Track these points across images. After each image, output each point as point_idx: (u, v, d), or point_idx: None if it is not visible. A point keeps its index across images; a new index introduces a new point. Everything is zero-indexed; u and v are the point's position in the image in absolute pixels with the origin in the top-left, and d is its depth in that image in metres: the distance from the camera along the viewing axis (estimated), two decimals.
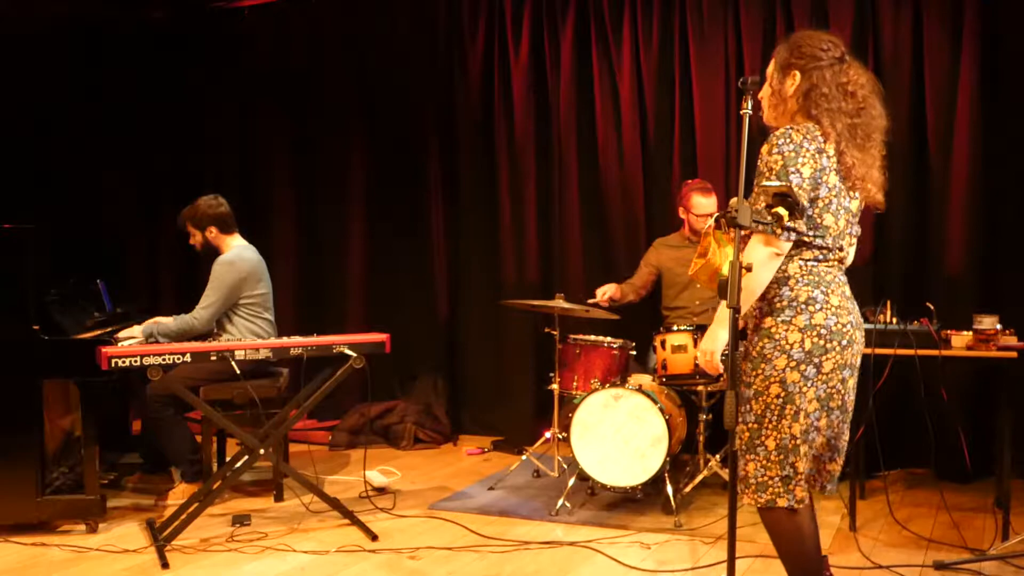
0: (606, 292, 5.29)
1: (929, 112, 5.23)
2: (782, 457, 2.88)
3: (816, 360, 2.84)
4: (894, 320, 4.31)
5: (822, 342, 2.84)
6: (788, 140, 2.82)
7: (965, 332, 4.23)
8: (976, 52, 5.10)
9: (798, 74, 2.93)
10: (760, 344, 2.88)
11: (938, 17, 5.18)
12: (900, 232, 5.33)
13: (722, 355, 2.97)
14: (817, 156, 2.83)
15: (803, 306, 2.84)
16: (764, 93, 3.05)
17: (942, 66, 5.19)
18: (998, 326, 4.16)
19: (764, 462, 2.90)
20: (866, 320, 4.22)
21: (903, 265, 5.34)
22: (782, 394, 2.86)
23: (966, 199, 5.16)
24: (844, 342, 2.87)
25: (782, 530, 2.97)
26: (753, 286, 2.82)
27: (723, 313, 2.87)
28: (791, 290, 2.86)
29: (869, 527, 4.37)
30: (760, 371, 2.87)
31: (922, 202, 5.30)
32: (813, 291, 2.85)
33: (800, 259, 2.88)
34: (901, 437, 5.12)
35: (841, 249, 2.93)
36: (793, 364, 2.84)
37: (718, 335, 2.90)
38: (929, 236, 5.29)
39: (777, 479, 2.89)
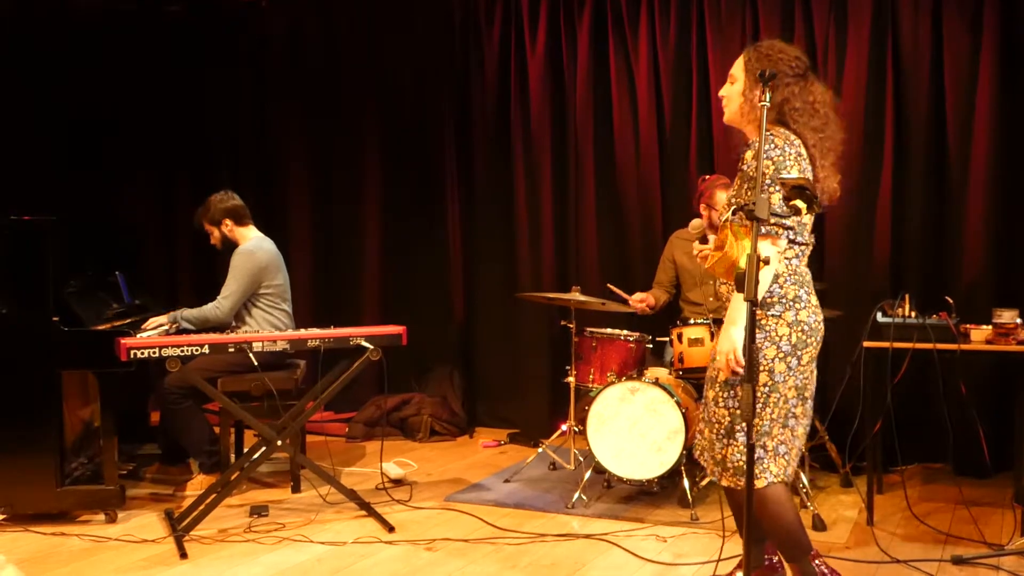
0: (643, 300, 5.23)
1: (948, 105, 5.20)
2: (763, 441, 3.08)
3: (799, 353, 3.07)
4: (913, 314, 4.28)
5: (805, 337, 3.08)
6: (773, 145, 3.02)
7: (984, 326, 4.21)
8: (996, 47, 5.06)
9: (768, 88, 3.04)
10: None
11: (957, 10, 5.14)
12: (919, 225, 5.31)
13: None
14: (799, 159, 3.04)
15: (791, 303, 3.07)
16: (730, 93, 3.22)
17: (961, 60, 5.15)
18: (1018, 320, 4.14)
19: (742, 447, 3.06)
20: (884, 314, 4.23)
21: (922, 259, 5.31)
22: (768, 383, 3.06)
23: (986, 193, 5.12)
24: (818, 338, 3.13)
25: (767, 506, 3.12)
26: (762, 283, 2.96)
27: (734, 312, 3.00)
28: (780, 288, 3.06)
29: (887, 521, 4.35)
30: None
31: (941, 195, 5.27)
32: (799, 290, 3.08)
33: (785, 258, 3.07)
34: (919, 432, 5.09)
35: (810, 246, 3.16)
36: (781, 355, 3.05)
37: (733, 334, 3.00)
38: (948, 230, 5.26)
39: (756, 462, 3.05)
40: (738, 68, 3.20)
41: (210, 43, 7.11)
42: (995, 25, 5.06)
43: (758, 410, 3.05)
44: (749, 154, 3.04)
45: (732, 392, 3.09)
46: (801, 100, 3.10)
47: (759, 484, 3.08)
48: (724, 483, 3.16)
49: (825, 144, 3.13)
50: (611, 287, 5.21)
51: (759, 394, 3.04)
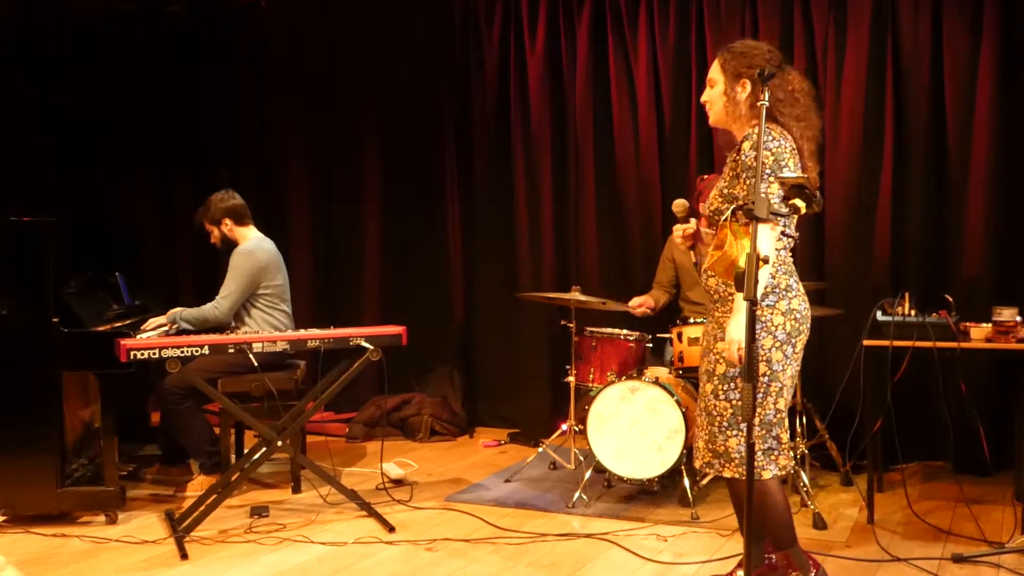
0: (642, 304, 5.23)
1: (948, 104, 5.19)
2: (765, 432, 3.14)
3: (793, 341, 3.13)
4: (913, 312, 4.28)
5: (798, 325, 3.14)
6: (772, 138, 3.05)
7: (984, 324, 4.21)
8: (995, 47, 5.06)
9: (748, 83, 3.16)
10: None
11: (957, 10, 5.14)
12: (919, 224, 5.30)
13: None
14: (793, 154, 3.09)
15: (783, 292, 3.12)
16: (712, 96, 3.27)
17: (961, 60, 5.15)
18: (1018, 318, 4.14)
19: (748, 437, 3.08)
20: (884, 312, 4.23)
21: (922, 257, 5.31)
22: (768, 372, 3.11)
23: (986, 191, 5.12)
24: (808, 325, 3.20)
25: (768, 496, 3.19)
26: (762, 275, 3.00)
27: (736, 302, 3.03)
28: (773, 278, 3.11)
29: (887, 520, 4.35)
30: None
31: (941, 194, 5.27)
32: (789, 279, 3.15)
33: (774, 249, 3.10)
34: (919, 430, 5.09)
35: (795, 239, 3.23)
36: (777, 344, 3.10)
37: (741, 322, 3.00)
38: (948, 228, 5.25)
39: (760, 453, 3.13)
40: (715, 71, 3.26)
41: (210, 43, 7.10)
42: (995, 25, 5.05)
43: (760, 400, 3.10)
44: (747, 145, 3.08)
45: (732, 384, 3.14)
46: (783, 91, 3.14)
47: (766, 475, 3.15)
48: (727, 475, 3.19)
49: (807, 133, 3.17)
50: (608, 301, 5.16)
51: (759, 385, 3.09)
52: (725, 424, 3.16)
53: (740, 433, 3.13)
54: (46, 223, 4.37)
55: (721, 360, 3.14)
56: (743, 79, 3.17)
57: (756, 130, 3.02)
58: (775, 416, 3.14)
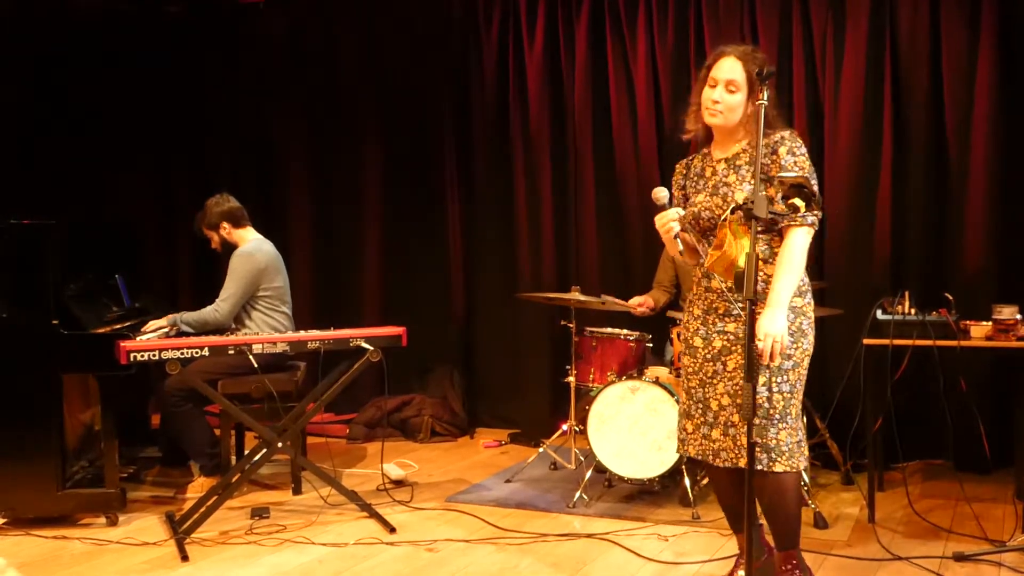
0: (642, 304, 5.22)
1: (947, 101, 5.19)
2: (799, 424, 3.21)
3: (814, 335, 3.25)
4: (912, 311, 4.28)
5: (814, 320, 3.26)
6: (801, 143, 3.16)
7: (984, 323, 4.20)
8: (994, 42, 5.06)
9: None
10: (798, 321, 3.17)
11: (955, 7, 5.13)
12: (919, 222, 5.30)
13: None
14: None
15: (810, 289, 3.26)
16: (733, 102, 3.17)
17: (960, 57, 5.14)
18: (1018, 316, 4.13)
19: (791, 429, 3.16)
20: (884, 311, 4.23)
21: (922, 255, 5.31)
22: (807, 365, 3.21)
23: (985, 188, 5.12)
24: None
25: (793, 491, 3.23)
26: (800, 273, 3.12)
27: (782, 295, 3.06)
28: (804, 274, 3.19)
29: (888, 519, 4.35)
30: (799, 344, 3.17)
31: (941, 192, 5.26)
32: (807, 277, 3.24)
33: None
34: (920, 428, 5.08)
35: None
36: (813, 337, 3.23)
37: (781, 317, 3.06)
38: (948, 226, 5.25)
39: (797, 444, 3.19)
40: (740, 75, 3.16)
41: (210, 43, 7.10)
42: (993, 22, 5.05)
43: (798, 393, 3.17)
44: (783, 150, 3.11)
45: (784, 377, 3.13)
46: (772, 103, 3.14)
47: (802, 466, 3.20)
48: (779, 469, 3.15)
49: None
50: (607, 298, 5.16)
51: (803, 377, 3.18)
52: (777, 417, 3.13)
53: (789, 426, 3.14)
54: (46, 225, 4.37)
55: (775, 354, 3.10)
56: (755, 94, 3.15)
57: (787, 134, 3.12)
58: (802, 406, 3.24)
